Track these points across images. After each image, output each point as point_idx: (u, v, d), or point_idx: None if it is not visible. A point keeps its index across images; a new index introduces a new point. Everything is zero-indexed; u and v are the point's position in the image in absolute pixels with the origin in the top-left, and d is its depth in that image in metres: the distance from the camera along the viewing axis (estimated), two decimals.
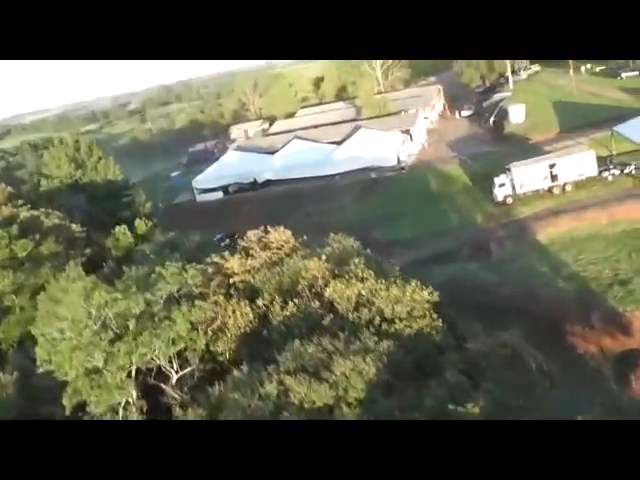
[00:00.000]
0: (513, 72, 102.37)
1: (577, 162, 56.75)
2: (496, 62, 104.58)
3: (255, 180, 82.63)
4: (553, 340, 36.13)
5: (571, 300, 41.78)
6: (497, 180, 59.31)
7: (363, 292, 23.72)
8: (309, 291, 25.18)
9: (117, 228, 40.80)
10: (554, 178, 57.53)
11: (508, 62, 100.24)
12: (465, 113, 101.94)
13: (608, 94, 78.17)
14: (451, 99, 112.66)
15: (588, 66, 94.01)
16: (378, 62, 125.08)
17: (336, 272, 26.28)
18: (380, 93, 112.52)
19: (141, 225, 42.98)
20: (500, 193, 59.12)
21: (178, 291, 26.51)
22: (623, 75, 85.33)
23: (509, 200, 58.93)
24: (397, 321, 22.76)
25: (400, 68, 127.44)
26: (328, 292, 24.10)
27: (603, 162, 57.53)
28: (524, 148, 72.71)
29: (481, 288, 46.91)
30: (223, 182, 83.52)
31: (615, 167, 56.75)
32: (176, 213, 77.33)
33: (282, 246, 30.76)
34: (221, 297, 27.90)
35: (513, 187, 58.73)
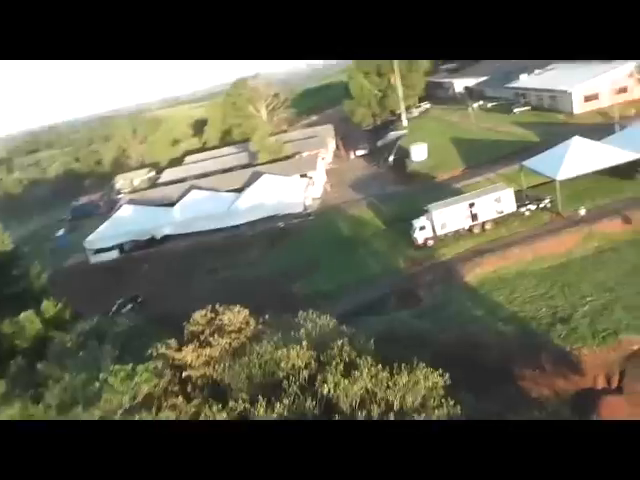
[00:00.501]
0: (406, 109, 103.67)
1: (496, 200, 56.42)
2: (388, 100, 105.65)
3: (153, 236, 77.18)
4: (504, 386, 34.50)
5: (515, 342, 40.33)
6: (417, 223, 57.70)
7: (368, 385, 20.20)
8: (295, 385, 21.31)
9: (22, 315, 34.39)
10: (474, 217, 56.76)
11: (401, 99, 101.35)
12: (360, 152, 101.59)
13: (505, 129, 79.75)
14: (341, 138, 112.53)
15: (480, 102, 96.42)
16: (263, 103, 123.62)
17: (321, 359, 22.63)
18: (273, 135, 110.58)
19: (49, 306, 36.75)
20: (421, 236, 57.50)
21: (132, 399, 21.69)
22: (516, 110, 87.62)
23: (430, 242, 57.35)
24: (414, 415, 19.46)
25: (285, 108, 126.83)
26: (327, 388, 20.27)
27: (518, 198, 57.66)
28: (431, 187, 72.49)
29: (418, 338, 44.13)
30: (118, 240, 77.14)
31: (531, 202, 56.98)
32: (68, 278, 70.17)
33: (241, 329, 26.65)
34: (180, 399, 23.34)
35: (434, 229, 57.30)
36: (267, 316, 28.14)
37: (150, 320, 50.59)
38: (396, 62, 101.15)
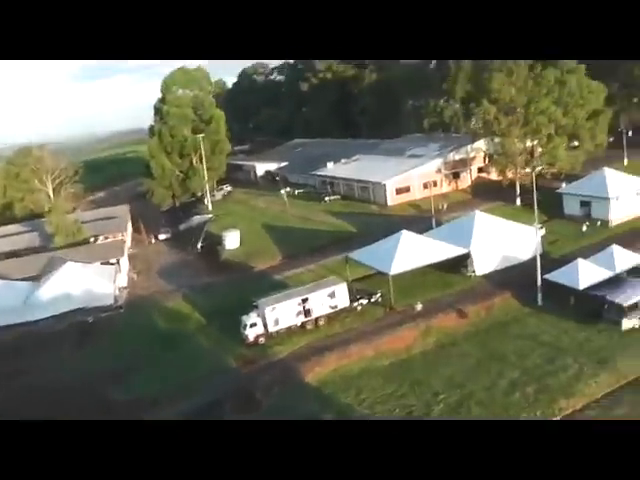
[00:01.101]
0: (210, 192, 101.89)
1: (329, 295, 55.78)
2: (190, 181, 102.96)
3: None
4: None
5: None
6: (246, 319, 54.72)
7: None
8: None
9: None
10: (307, 313, 55.47)
11: (205, 182, 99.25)
12: (162, 236, 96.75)
13: (318, 218, 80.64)
14: (139, 219, 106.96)
15: (287, 189, 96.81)
16: (49, 176, 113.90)
17: None
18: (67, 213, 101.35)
19: None
20: (252, 333, 54.45)
21: None
22: (327, 199, 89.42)
23: (262, 340, 54.58)
24: None
25: (73, 183, 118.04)
26: None
27: (349, 291, 57.33)
28: (250, 277, 70.42)
29: None
30: None
31: (362, 297, 57.29)
32: None
33: None
34: None
35: (265, 326, 54.75)
36: None
37: None
38: (202, 143, 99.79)
